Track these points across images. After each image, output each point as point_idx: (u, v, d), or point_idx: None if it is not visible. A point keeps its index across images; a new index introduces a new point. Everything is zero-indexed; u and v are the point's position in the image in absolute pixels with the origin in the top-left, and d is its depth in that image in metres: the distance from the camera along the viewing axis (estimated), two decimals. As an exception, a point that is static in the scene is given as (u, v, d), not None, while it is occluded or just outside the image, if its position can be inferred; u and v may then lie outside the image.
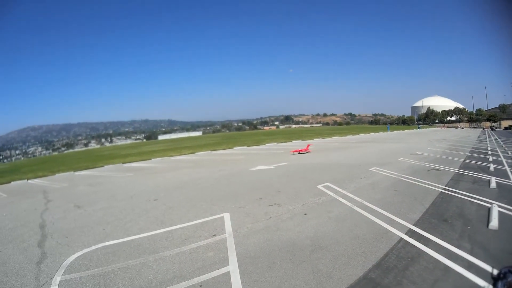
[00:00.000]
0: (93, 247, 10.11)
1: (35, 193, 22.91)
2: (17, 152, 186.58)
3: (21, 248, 11.40)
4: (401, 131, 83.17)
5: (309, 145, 37.18)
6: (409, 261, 7.58)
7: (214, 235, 10.09)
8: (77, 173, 34.76)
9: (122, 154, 59.65)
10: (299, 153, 33.74)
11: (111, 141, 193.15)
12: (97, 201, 17.51)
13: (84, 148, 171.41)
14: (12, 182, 33.19)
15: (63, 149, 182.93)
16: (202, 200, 15.24)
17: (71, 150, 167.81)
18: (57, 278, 8.18)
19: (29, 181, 32.22)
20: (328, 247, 8.59)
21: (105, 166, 38.58)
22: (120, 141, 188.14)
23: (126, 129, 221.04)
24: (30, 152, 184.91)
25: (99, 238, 10.97)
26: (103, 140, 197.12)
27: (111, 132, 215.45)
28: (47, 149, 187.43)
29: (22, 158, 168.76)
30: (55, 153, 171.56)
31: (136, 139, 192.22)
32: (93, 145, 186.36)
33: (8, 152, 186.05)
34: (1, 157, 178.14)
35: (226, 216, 12.13)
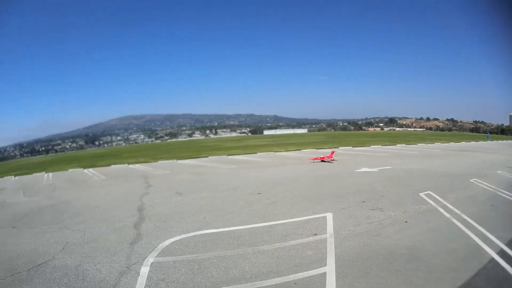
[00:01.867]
0: (192, 234, 10.67)
1: (136, 178, 24.65)
2: (118, 138, 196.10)
3: (115, 227, 12.41)
4: (500, 141, 77.94)
5: (333, 152, 35.00)
6: (497, 285, 7.33)
7: (315, 234, 10.17)
8: (180, 161, 36.48)
9: (227, 147, 61.19)
10: (322, 161, 31.52)
11: (216, 133, 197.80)
12: (199, 190, 18.39)
13: (188, 139, 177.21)
14: (111, 166, 35.66)
15: (166, 138, 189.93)
16: (306, 197, 15.41)
17: (174, 140, 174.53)
18: (150, 260, 8.77)
19: (130, 165, 34.61)
20: (424, 258, 8.32)
21: (209, 157, 39.96)
22: (224, 134, 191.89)
23: (231, 122, 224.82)
24: (132, 138, 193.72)
25: (199, 226, 11.55)
26: (207, 131, 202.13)
27: (216, 124, 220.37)
28: (149, 137, 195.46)
29: (123, 144, 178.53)
30: (158, 141, 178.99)
31: (241, 133, 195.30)
32: (198, 136, 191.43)
33: (108, 137, 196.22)
34: (101, 142, 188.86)
35: (329, 216, 12.16)
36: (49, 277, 8.65)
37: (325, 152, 37.96)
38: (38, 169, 45.22)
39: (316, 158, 32.33)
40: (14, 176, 40.25)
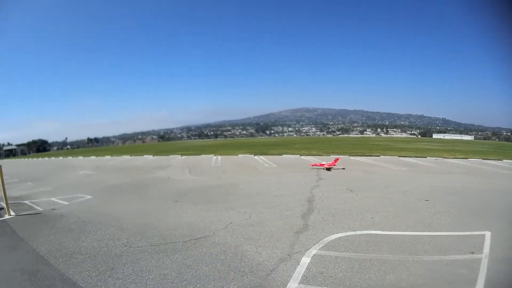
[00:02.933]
0: (358, 232, 10.60)
1: (308, 169, 25.49)
2: (290, 129, 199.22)
3: (283, 215, 12.77)
4: None
5: (336, 159, 30.35)
6: None
7: (472, 253, 9.39)
8: (352, 158, 36.15)
9: (397, 147, 59.01)
10: (327, 169, 27.54)
11: (387, 132, 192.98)
12: (370, 188, 18.17)
13: (359, 135, 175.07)
14: (283, 155, 37.00)
15: (337, 133, 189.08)
16: (472, 211, 14.25)
17: (346, 135, 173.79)
18: (312, 251, 8.86)
19: (302, 157, 35.34)
20: None
21: (381, 156, 38.93)
22: (395, 134, 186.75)
23: (402, 122, 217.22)
24: (304, 131, 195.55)
25: (365, 225, 11.41)
26: (378, 130, 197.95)
27: (386, 123, 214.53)
28: (321, 130, 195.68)
29: (295, 135, 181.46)
30: (329, 135, 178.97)
31: (410, 134, 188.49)
32: (368, 133, 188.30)
33: (280, 127, 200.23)
34: (272, 131, 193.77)
35: (487, 235, 11.08)
36: (205, 251, 9.29)
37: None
38: (206, 152, 48.46)
39: (315, 165, 29.58)
40: (181, 156, 43.05)
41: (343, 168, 28.68)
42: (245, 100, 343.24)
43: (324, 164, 28.88)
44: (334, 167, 28.34)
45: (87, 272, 8.56)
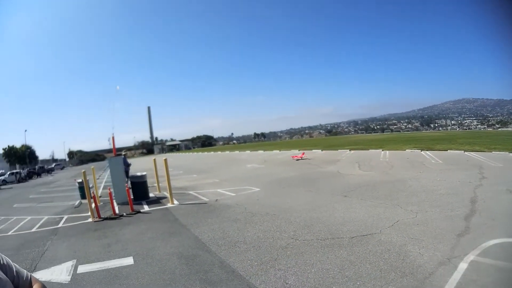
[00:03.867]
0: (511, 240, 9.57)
1: (471, 167, 23.41)
2: (453, 122, 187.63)
3: (447, 215, 12.13)
4: None
5: (303, 153, 41.22)
6: None
7: None
8: (510, 154, 32.56)
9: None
10: (296, 159, 38.07)
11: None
12: (528, 191, 16.29)
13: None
14: (448, 151, 35.03)
15: (497, 126, 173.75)
16: None
17: (504, 129, 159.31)
18: (470, 257, 8.32)
19: (466, 153, 32.87)
20: None
21: None
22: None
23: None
24: (465, 124, 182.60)
25: (520, 234, 10.31)
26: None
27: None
28: (482, 123, 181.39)
29: (457, 129, 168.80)
30: (489, 129, 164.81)
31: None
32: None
33: (443, 121, 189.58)
34: (436, 125, 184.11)
35: None
36: (370, 249, 9.20)
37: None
38: (374, 146, 47.63)
39: (293, 156, 39.95)
40: (349, 150, 42.83)
41: (310, 159, 37.18)
42: (409, 92, 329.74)
43: (295, 157, 39.21)
44: (303, 157, 38.73)
45: (249, 261, 9.06)
